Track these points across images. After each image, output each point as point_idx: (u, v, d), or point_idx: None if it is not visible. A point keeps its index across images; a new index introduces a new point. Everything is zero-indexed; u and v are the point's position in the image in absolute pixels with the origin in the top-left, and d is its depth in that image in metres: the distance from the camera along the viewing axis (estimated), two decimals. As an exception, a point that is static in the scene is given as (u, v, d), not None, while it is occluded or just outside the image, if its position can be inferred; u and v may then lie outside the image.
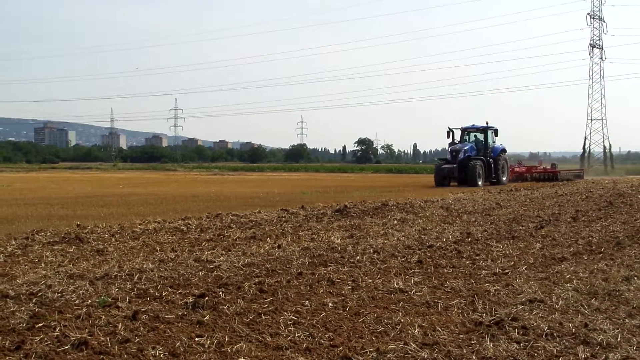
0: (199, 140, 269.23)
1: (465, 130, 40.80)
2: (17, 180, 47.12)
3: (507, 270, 8.59)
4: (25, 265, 8.71)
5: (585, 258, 9.68)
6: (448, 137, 39.98)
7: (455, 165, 36.72)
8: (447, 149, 39.56)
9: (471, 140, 40.17)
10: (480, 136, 40.07)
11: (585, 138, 79.80)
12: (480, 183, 36.26)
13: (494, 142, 39.87)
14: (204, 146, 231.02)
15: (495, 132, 39.86)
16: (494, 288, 7.44)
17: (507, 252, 10.20)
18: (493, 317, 6.06)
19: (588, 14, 78.98)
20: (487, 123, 39.84)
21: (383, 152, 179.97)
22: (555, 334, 5.60)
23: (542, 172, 44.62)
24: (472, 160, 36.99)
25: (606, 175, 60.56)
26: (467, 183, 35.98)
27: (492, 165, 38.36)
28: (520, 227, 13.52)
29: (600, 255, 9.95)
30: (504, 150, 40.53)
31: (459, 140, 39.94)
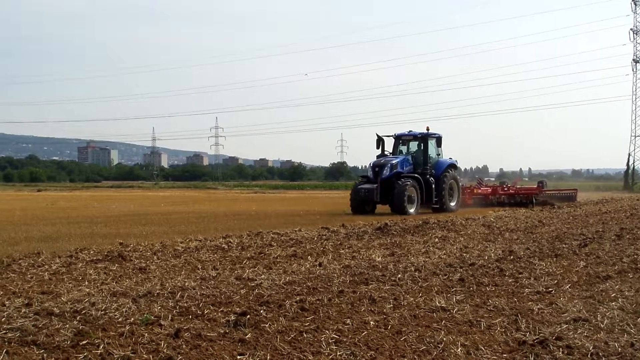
0: (239, 158, 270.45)
1: (400, 139, 30.69)
2: (61, 199, 47.83)
3: (550, 289, 8.47)
4: (69, 283, 8.81)
5: (631, 276, 9.51)
6: (378, 147, 29.97)
7: (376, 186, 27.11)
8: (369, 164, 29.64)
9: (411, 151, 30.49)
10: (419, 146, 30.34)
11: (629, 155, 78.51)
12: (412, 210, 26.61)
13: (438, 154, 30.30)
14: (244, 164, 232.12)
15: (438, 141, 30.14)
16: (538, 307, 7.34)
17: (551, 270, 10.07)
18: (537, 337, 5.98)
19: (631, 29, 77.99)
20: (427, 129, 29.87)
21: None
22: (600, 354, 5.51)
23: (512, 194, 34.97)
24: (401, 179, 27.21)
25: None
26: (393, 209, 26.88)
27: (434, 186, 28.51)
28: (564, 245, 13.34)
29: (646, 273, 9.78)
30: (452, 166, 30.57)
31: (391, 152, 30.26)
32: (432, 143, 29.96)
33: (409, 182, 26.98)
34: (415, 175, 28.05)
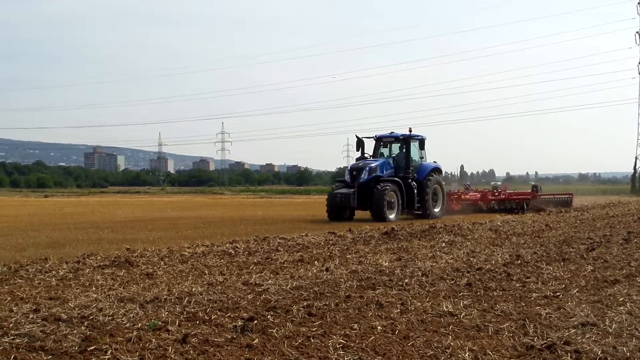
0: (245, 163, 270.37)
1: (381, 141, 28.92)
2: (68, 205, 47.92)
3: (558, 293, 8.46)
4: (76, 289, 8.82)
5: (639, 280, 9.49)
6: (357, 149, 28.49)
7: (353, 190, 25.32)
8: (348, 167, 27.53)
9: (393, 154, 28.78)
10: (401, 149, 28.53)
11: (636, 158, 78.22)
12: (392, 216, 25.11)
13: (421, 157, 28.58)
14: (250, 169, 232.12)
15: (421, 143, 28.50)
16: (545, 311, 7.32)
17: (558, 274, 10.04)
18: (545, 341, 5.97)
19: (637, 32, 77.74)
20: (410, 130, 28.03)
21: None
22: (609, 359, 5.50)
23: (502, 200, 33.05)
24: (380, 183, 25.55)
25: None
26: (372, 215, 25.29)
27: (416, 190, 26.83)
28: (571, 249, 13.31)
29: (654, 277, 9.75)
30: (437, 170, 28.71)
31: (371, 154, 28.64)
32: (414, 145, 28.37)
33: (388, 187, 25.39)
34: (396, 179, 26.45)
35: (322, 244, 14.68)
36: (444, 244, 14.58)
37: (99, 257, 11.96)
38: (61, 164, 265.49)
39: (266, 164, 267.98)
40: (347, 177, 26.70)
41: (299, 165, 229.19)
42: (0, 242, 15.74)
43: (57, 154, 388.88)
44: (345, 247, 13.99)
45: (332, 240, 15.45)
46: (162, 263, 11.46)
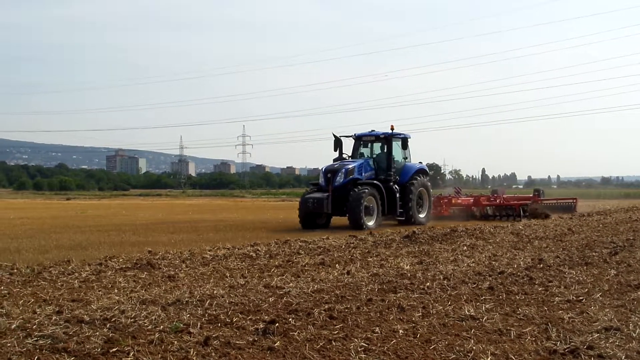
0: (266, 166, 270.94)
1: (360, 140, 26.27)
2: (90, 207, 48.19)
3: (581, 298, 8.39)
4: (99, 291, 8.87)
5: (663, 285, 9.40)
6: (335, 149, 25.87)
7: (327, 195, 22.76)
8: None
9: (374, 154, 26.08)
10: (382, 149, 25.81)
11: (660, 162, 77.65)
12: (371, 223, 22.54)
13: (405, 157, 26.07)
14: (271, 172, 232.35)
15: (404, 142, 25.80)
16: (568, 315, 7.28)
17: (581, 278, 9.97)
18: (568, 346, 5.93)
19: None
20: (392, 128, 25.21)
21: (451, 177, 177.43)
22: (633, 364, 5.46)
23: (497, 205, 30.48)
24: (357, 186, 22.92)
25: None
26: (349, 222, 22.64)
27: (398, 194, 24.28)
28: (594, 253, 13.20)
29: (679, 282, 9.65)
30: (422, 172, 26.43)
31: (350, 155, 25.90)
32: (397, 145, 25.70)
33: (366, 190, 22.74)
34: (375, 182, 23.78)
35: (343, 247, 14.67)
36: (465, 247, 14.52)
37: (121, 260, 12.02)
38: (83, 166, 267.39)
39: (287, 167, 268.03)
40: (321, 180, 24.17)
41: (320, 168, 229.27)
42: (24, 244, 15.88)
43: (79, 157, 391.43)
44: (367, 251, 13.97)
45: (353, 243, 15.44)
46: (183, 265, 11.50)
